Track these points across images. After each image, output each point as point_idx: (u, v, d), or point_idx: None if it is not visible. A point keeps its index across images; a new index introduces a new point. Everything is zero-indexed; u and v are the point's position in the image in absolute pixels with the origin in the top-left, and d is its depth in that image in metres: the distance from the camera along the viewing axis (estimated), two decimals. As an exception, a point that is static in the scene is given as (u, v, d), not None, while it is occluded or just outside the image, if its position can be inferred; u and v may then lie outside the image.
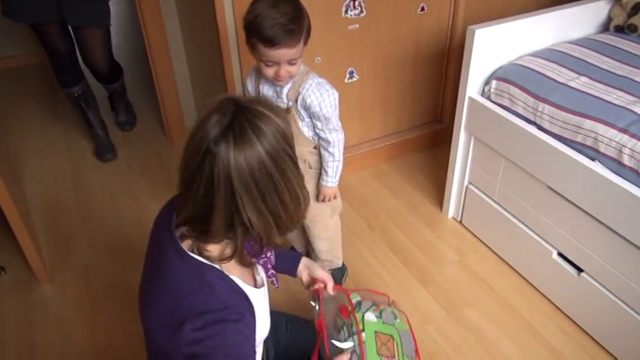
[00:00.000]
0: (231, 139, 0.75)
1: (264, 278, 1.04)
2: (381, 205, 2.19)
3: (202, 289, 0.83)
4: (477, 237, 2.00)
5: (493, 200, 1.86)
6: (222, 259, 0.86)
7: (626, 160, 1.37)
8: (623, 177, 1.38)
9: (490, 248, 1.94)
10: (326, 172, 1.51)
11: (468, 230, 2.03)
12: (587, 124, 1.46)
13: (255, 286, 0.97)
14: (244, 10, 1.30)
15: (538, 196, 1.65)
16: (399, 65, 2.26)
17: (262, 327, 0.92)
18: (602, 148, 1.42)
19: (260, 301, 0.94)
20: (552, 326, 1.66)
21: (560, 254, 1.65)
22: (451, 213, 2.10)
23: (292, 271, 1.21)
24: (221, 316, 0.81)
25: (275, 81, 1.34)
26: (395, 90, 2.32)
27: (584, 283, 1.58)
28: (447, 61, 2.36)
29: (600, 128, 1.43)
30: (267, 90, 1.43)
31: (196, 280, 0.84)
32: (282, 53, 1.25)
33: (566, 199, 1.54)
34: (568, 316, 1.68)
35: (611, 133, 1.40)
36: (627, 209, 1.36)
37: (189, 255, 0.85)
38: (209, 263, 0.86)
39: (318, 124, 1.43)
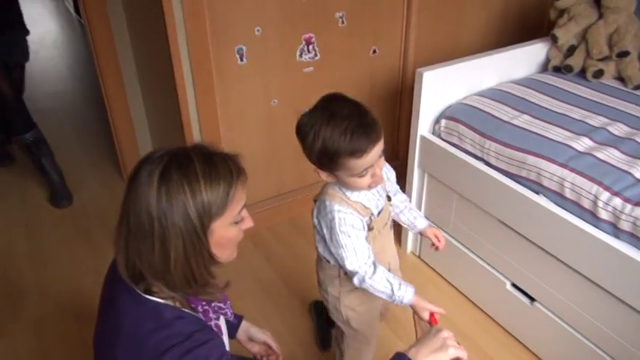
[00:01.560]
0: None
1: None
2: (341, 242, 2.21)
3: (163, 327, 0.83)
4: (434, 270, 2.04)
5: (448, 234, 1.92)
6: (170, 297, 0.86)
7: (567, 193, 1.45)
8: (565, 209, 1.46)
9: (448, 281, 1.99)
10: (418, 213, 1.41)
11: (426, 264, 2.07)
12: (531, 159, 1.54)
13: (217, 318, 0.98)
14: (199, 47, 1.29)
15: (489, 229, 1.71)
16: (354, 105, 2.33)
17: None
18: (545, 182, 1.50)
19: (224, 331, 0.94)
20: (509, 355, 1.70)
21: (514, 285, 1.71)
22: (409, 248, 2.15)
23: (232, 334, 1.20)
24: (188, 345, 0.81)
25: (372, 186, 1.13)
26: (351, 129, 2.38)
27: (537, 311, 1.63)
28: (400, 101, 2.45)
29: (542, 163, 1.51)
30: (369, 204, 1.18)
31: (155, 320, 0.83)
32: (376, 150, 1.07)
33: (515, 231, 1.61)
34: (523, 344, 1.72)
35: (553, 167, 1.49)
36: (570, 239, 1.43)
37: (144, 297, 0.85)
38: (164, 302, 0.86)
39: (392, 186, 1.34)
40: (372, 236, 1.19)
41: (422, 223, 1.40)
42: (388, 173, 1.32)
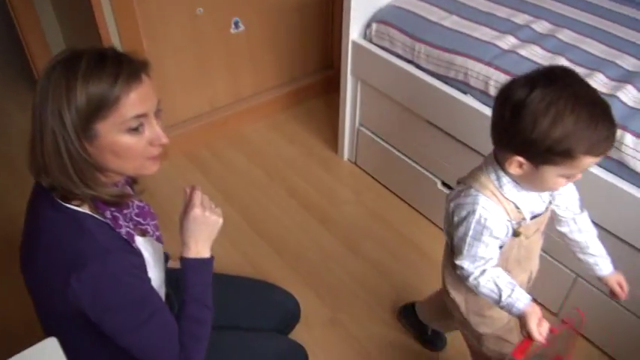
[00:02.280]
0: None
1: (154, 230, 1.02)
2: (279, 154, 2.22)
3: (82, 237, 0.82)
4: (371, 176, 2.10)
5: (382, 139, 1.96)
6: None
7: (492, 91, 1.49)
8: (490, 106, 1.51)
9: (384, 185, 2.06)
10: (603, 252, 1.11)
11: (363, 170, 2.13)
12: (459, 60, 1.57)
13: (144, 235, 0.97)
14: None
15: (421, 132, 1.76)
16: (286, 12, 2.25)
17: (154, 277, 0.93)
18: (472, 82, 1.54)
19: (147, 249, 0.94)
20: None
21: (444, 183, 1.79)
22: (346, 155, 2.18)
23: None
24: (106, 261, 0.81)
25: (555, 189, 1.02)
26: (284, 38, 2.32)
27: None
28: (333, 6, 2.38)
29: (469, 63, 1.54)
30: (522, 206, 0.99)
31: (74, 229, 0.83)
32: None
33: (444, 131, 1.66)
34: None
35: (479, 67, 1.52)
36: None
37: (63, 205, 0.84)
38: (83, 211, 0.85)
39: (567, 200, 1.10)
40: (517, 242, 1.02)
41: (607, 268, 1.11)
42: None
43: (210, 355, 1.11)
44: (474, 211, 0.96)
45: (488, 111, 1.50)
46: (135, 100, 0.82)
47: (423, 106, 1.69)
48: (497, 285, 0.98)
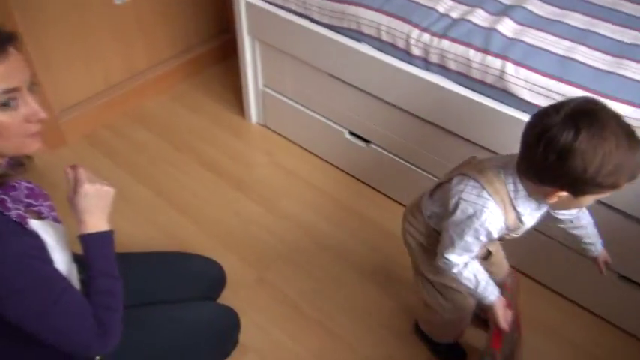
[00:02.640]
0: None
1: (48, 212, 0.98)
2: (185, 125, 2.17)
3: None
4: (281, 136, 2.11)
5: (287, 97, 1.96)
6: None
7: (384, 36, 1.53)
8: (384, 52, 1.55)
9: (294, 143, 2.07)
10: (596, 240, 1.19)
11: (273, 131, 2.13)
12: (350, 9, 1.58)
13: (41, 218, 0.93)
14: None
15: (323, 85, 1.78)
16: (171, -23, 2.16)
17: (59, 260, 0.90)
18: (365, 30, 1.57)
19: (48, 232, 0.90)
20: (355, 195, 1.88)
21: (352, 133, 1.84)
22: (254, 118, 2.17)
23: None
24: (1, 244, 0.78)
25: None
26: (174, 5, 2.23)
27: (373, 151, 1.79)
28: (221, -32, 2.32)
29: (360, 11, 1.56)
30: (526, 220, 1.04)
31: None
32: None
33: (345, 82, 1.70)
34: (364, 182, 1.91)
35: (369, 14, 1.55)
36: (390, 80, 1.55)
37: None
38: None
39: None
40: (496, 245, 1.14)
41: (598, 249, 1.19)
42: None
43: (139, 333, 1.10)
44: (481, 213, 0.99)
45: (383, 57, 1.55)
46: (2, 74, 0.77)
47: (321, 59, 1.71)
48: (476, 277, 1.08)
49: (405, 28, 1.48)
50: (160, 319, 1.18)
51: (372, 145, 1.79)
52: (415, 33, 1.47)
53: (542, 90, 1.31)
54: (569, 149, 0.84)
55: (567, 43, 1.35)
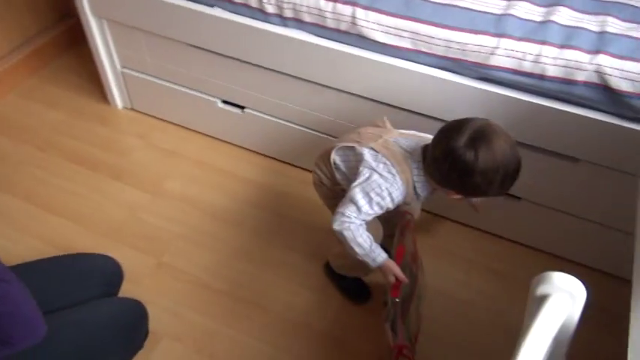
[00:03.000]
0: None
1: None
2: (44, 123, 2.00)
3: None
4: (152, 116, 2.03)
5: (150, 75, 1.88)
6: None
7: (236, -2, 1.52)
8: (238, 13, 1.54)
9: (168, 121, 2.01)
10: None
11: (142, 113, 2.04)
12: (196, -26, 1.54)
13: None
14: None
15: (185, 56, 1.73)
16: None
17: None
18: (215, -7, 1.54)
19: None
20: (240, 163, 1.88)
21: (224, 101, 1.82)
22: (119, 103, 2.06)
23: None
24: None
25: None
26: (0, -6, 2.01)
27: (249, 116, 1.79)
28: (45, -54, 2.11)
29: (206, -25, 1.53)
30: (418, 194, 1.22)
31: None
32: None
33: (205, 49, 1.66)
34: (249, 149, 1.91)
35: (216, -24, 1.52)
36: (249, 41, 1.55)
37: None
38: None
39: None
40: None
41: None
42: None
43: (38, 347, 1.04)
44: (390, 187, 1.14)
45: (238, 19, 1.53)
46: None
47: (176, 29, 1.65)
48: (369, 238, 1.17)
49: (254, -14, 1.48)
50: (57, 327, 1.12)
51: (248, 110, 1.79)
52: (265, -10, 1.47)
53: (393, 30, 1.38)
54: (471, 169, 1.04)
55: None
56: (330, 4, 1.41)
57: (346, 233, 1.16)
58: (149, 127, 2.00)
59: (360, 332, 1.45)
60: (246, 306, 1.50)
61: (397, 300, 1.19)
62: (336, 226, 1.16)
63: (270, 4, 1.47)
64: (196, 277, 1.56)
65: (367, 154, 1.18)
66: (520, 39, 1.29)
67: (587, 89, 1.26)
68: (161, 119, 2.02)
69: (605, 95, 1.25)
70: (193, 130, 1.98)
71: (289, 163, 1.86)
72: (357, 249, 1.17)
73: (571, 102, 1.30)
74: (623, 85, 1.22)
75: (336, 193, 1.31)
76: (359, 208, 1.15)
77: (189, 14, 1.58)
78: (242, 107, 1.80)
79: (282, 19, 1.49)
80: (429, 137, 1.18)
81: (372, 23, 1.39)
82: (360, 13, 1.39)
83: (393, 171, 1.15)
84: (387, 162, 1.16)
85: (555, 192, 1.48)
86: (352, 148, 1.24)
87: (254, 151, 1.91)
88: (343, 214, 1.15)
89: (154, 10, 1.63)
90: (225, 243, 1.65)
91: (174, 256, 1.61)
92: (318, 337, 1.44)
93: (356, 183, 1.16)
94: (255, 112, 1.78)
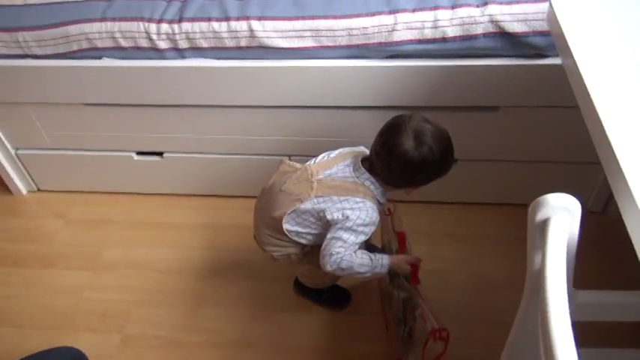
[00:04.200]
0: None
1: None
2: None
3: None
4: (64, 191, 1.88)
5: (49, 149, 1.74)
6: None
7: (123, 42, 1.44)
8: (131, 58, 1.46)
9: (83, 192, 1.87)
10: None
11: (52, 191, 1.89)
12: (73, 29, 1.45)
13: None
14: None
15: (84, 118, 1.62)
16: None
17: None
18: (99, 44, 1.44)
19: None
20: (175, 210, 1.79)
21: (139, 152, 1.73)
22: (23, 188, 1.88)
23: None
24: None
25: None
26: None
27: (169, 161, 1.71)
28: None
29: (85, 27, 1.43)
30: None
31: None
32: None
33: (105, 104, 1.57)
34: (178, 194, 1.83)
35: (96, 26, 1.43)
36: (153, 82, 1.48)
37: None
38: None
39: None
40: None
41: None
42: None
43: None
44: (365, 213, 1.13)
45: (132, 63, 1.46)
46: None
47: (67, 92, 1.54)
48: (367, 254, 1.17)
49: (140, 26, 1.41)
50: None
51: (167, 155, 1.71)
52: (153, 27, 1.41)
53: (292, 33, 1.37)
54: (432, 160, 1.09)
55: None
56: (223, 24, 1.39)
57: (344, 265, 1.14)
58: (64, 203, 1.85)
59: (353, 336, 1.42)
60: (231, 349, 1.42)
61: (418, 286, 1.22)
62: (329, 267, 1.14)
63: (162, 39, 1.42)
64: (169, 338, 1.45)
65: (323, 204, 1.16)
66: (414, 10, 1.34)
67: (487, 40, 1.32)
68: (75, 192, 1.87)
69: (505, 41, 1.32)
70: (114, 193, 1.86)
71: (223, 196, 1.80)
72: (362, 271, 1.16)
73: (477, 56, 1.37)
74: (517, 27, 1.29)
75: (307, 252, 1.27)
76: (345, 242, 1.14)
77: (77, 73, 1.48)
78: (160, 154, 1.72)
79: (178, 52, 1.44)
80: (343, 152, 1.23)
81: (270, 32, 1.38)
82: (255, 25, 1.37)
83: (359, 199, 1.14)
84: (347, 196, 1.15)
85: (485, 143, 1.54)
86: (298, 209, 1.18)
87: (184, 195, 1.82)
88: (331, 255, 1.13)
89: (35, 79, 1.51)
90: (185, 294, 1.55)
91: (138, 324, 1.49)
92: (315, 356, 1.40)
93: (334, 229, 1.15)
94: (175, 155, 1.70)
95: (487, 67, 1.36)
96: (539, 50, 1.33)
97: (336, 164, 1.20)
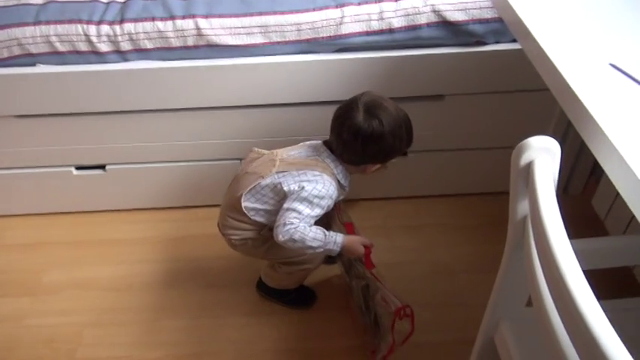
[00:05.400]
0: None
1: None
2: None
3: None
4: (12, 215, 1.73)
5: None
6: None
7: (60, 47, 1.36)
8: (69, 63, 1.39)
9: (15, 215, 1.73)
10: None
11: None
12: (2, 34, 1.36)
13: None
14: None
15: (14, 131, 1.51)
16: None
17: None
18: (34, 49, 1.36)
19: None
20: (121, 225, 1.69)
21: (79, 167, 1.62)
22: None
23: None
24: None
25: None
26: None
27: (113, 173, 1.63)
28: None
29: (16, 32, 1.35)
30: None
31: None
32: None
33: (40, 115, 1.47)
34: (124, 210, 1.73)
35: (30, 30, 1.35)
36: (94, 88, 1.41)
37: None
38: None
39: None
40: None
41: None
42: None
43: None
44: (322, 186, 1.13)
45: (71, 68, 1.38)
46: None
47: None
48: (318, 229, 1.15)
49: (79, 28, 1.35)
50: None
51: (110, 167, 1.62)
52: (92, 29, 1.35)
53: (241, 30, 1.36)
54: (381, 133, 1.11)
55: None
56: (169, 22, 1.35)
57: (297, 237, 1.12)
58: (2, 227, 1.70)
59: (323, 334, 1.39)
60: (188, 357, 1.34)
61: (374, 271, 1.22)
62: (281, 238, 1.13)
63: (103, 41, 1.36)
64: (126, 357, 1.35)
65: (282, 177, 1.16)
66: (360, 3, 1.37)
67: (431, 30, 1.38)
68: (5, 216, 1.73)
69: (447, 30, 1.38)
70: (52, 213, 1.73)
71: (173, 207, 1.73)
72: (314, 245, 1.14)
73: (423, 46, 1.41)
74: (458, 16, 1.36)
75: (265, 238, 1.25)
76: (300, 213, 1.13)
77: (7, 81, 1.39)
78: (102, 166, 1.62)
79: (121, 55, 1.39)
80: (308, 142, 1.25)
81: (218, 29, 1.36)
82: (202, 22, 1.35)
83: (317, 172, 1.16)
84: (305, 170, 1.16)
85: (434, 133, 1.58)
86: (259, 185, 1.19)
87: (131, 209, 1.73)
88: (285, 224, 1.12)
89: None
90: (139, 310, 1.46)
91: (90, 347, 1.38)
92: (286, 357, 1.35)
93: (290, 199, 1.14)
94: (119, 167, 1.62)
95: (432, 57, 1.41)
96: (478, 38, 1.39)
97: (300, 147, 1.23)
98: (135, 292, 1.51)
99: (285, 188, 1.15)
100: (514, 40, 1.40)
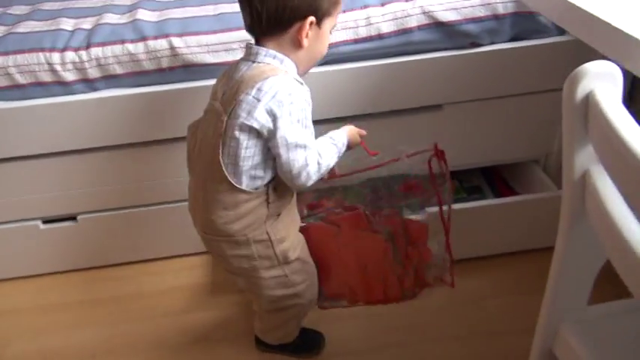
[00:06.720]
0: None
1: None
2: None
3: None
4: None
5: None
6: None
7: (20, 79, 1.24)
8: (31, 97, 1.26)
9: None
10: None
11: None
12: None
13: None
14: None
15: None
16: None
17: None
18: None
19: None
20: (94, 284, 1.49)
21: (46, 221, 1.45)
22: None
23: None
24: None
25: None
26: None
27: (85, 223, 1.44)
28: None
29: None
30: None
31: None
32: None
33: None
34: (99, 267, 1.54)
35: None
36: (58, 125, 1.27)
37: None
38: None
39: None
40: None
41: None
42: None
43: None
44: (293, 93, 0.91)
45: (31, 103, 1.25)
46: None
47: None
48: (326, 143, 1.01)
49: (41, 57, 1.23)
50: None
51: (82, 217, 1.44)
52: (56, 57, 1.23)
53: (219, 46, 1.26)
54: None
55: (210, 7, 1.37)
56: (140, 44, 1.25)
57: (323, 169, 0.98)
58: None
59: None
60: None
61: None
62: (310, 182, 0.96)
63: (68, 70, 1.24)
64: None
65: (240, 117, 0.90)
66: (344, 11, 1.28)
67: (422, 33, 1.29)
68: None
69: (440, 31, 1.29)
70: (12, 279, 1.52)
71: (156, 259, 1.54)
72: (335, 160, 1.03)
73: (416, 52, 1.32)
74: (450, 16, 1.28)
75: (277, 199, 1.00)
76: (304, 146, 0.93)
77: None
78: (73, 217, 1.45)
79: (88, 84, 1.26)
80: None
81: (194, 47, 1.25)
82: (176, 41, 1.25)
83: (269, 81, 0.90)
84: (256, 85, 0.90)
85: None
86: (228, 143, 0.94)
87: (106, 266, 1.54)
88: (300, 173, 0.93)
89: None
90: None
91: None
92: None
93: (276, 141, 0.91)
94: (92, 215, 1.44)
95: (425, 62, 1.32)
96: (473, 39, 1.31)
97: (226, 77, 0.99)
98: (118, 357, 1.29)
99: (256, 125, 0.90)
100: (510, 40, 1.33)
